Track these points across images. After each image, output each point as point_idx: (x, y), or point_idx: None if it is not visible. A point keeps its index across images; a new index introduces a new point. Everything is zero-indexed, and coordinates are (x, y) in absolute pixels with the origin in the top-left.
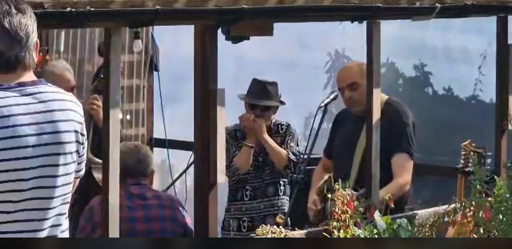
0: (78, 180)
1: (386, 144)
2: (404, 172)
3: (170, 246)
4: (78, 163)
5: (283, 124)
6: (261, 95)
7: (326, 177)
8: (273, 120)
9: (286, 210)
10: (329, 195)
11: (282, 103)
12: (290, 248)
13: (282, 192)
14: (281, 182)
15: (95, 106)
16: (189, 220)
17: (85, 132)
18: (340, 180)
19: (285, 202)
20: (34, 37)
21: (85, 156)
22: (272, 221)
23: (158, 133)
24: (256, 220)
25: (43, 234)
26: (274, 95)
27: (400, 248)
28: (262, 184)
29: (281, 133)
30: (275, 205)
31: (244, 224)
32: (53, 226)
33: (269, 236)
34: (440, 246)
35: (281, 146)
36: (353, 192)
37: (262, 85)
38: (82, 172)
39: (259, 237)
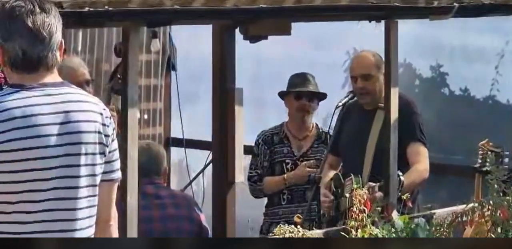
0: (116, 183)
1: (399, 134)
2: (421, 159)
3: (170, 246)
4: (108, 164)
5: (329, 134)
6: (304, 83)
7: (332, 174)
8: (319, 125)
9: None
10: (341, 191)
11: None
12: (290, 248)
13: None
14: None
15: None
16: (204, 218)
17: (111, 134)
18: (352, 175)
19: None
20: (58, 37)
21: (115, 158)
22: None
23: (175, 133)
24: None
25: (74, 235)
26: (315, 84)
27: (400, 248)
28: (300, 188)
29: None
30: (313, 209)
31: None
32: (82, 228)
33: (287, 235)
34: (440, 246)
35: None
36: (371, 183)
37: (302, 76)
38: (116, 175)
39: (259, 237)
